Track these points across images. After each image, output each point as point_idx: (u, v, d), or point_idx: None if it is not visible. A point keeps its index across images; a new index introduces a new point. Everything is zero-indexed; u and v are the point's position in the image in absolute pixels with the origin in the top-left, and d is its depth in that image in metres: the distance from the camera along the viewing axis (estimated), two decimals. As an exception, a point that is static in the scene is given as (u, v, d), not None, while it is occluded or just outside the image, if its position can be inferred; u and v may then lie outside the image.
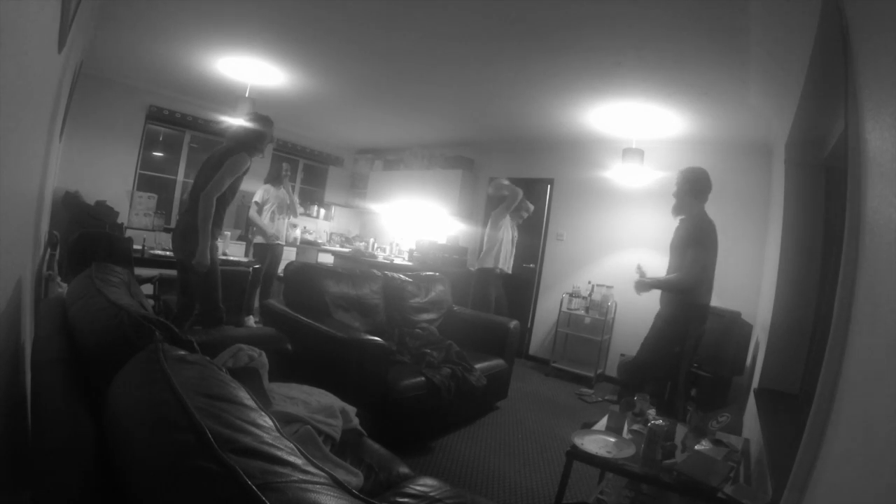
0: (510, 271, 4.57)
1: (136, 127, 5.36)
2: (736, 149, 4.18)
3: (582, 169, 5.04)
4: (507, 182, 4.53)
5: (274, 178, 4.98)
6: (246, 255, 5.13)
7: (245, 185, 6.42)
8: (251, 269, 4.35)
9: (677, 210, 2.86)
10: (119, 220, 4.84)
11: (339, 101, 4.95)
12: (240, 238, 5.78)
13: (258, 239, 4.80)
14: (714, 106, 3.46)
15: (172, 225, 5.24)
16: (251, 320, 4.42)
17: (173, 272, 3.39)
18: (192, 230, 2.70)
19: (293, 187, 6.98)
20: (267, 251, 4.79)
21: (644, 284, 2.87)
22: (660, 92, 3.37)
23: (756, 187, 3.96)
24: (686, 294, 2.72)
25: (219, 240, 2.97)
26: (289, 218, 5.03)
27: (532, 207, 4.68)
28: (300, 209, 6.66)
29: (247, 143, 2.89)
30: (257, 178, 5.45)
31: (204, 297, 2.82)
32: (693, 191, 2.81)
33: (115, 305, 1.10)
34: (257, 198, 4.88)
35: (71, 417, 0.82)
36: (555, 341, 4.85)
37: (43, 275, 2.66)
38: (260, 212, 4.82)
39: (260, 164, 5.84)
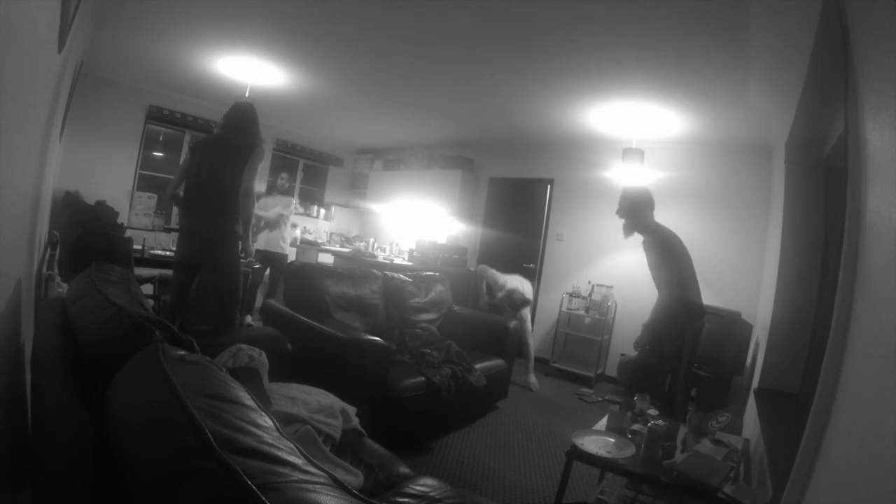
0: None
1: (136, 127, 5.36)
2: (736, 149, 4.18)
3: (582, 169, 5.04)
4: None
5: (272, 186, 4.99)
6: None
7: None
8: (251, 269, 4.35)
9: (628, 230, 2.94)
10: (119, 220, 4.83)
11: (339, 101, 4.95)
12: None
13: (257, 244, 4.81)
14: (714, 106, 3.46)
15: (173, 225, 5.23)
16: (248, 319, 4.42)
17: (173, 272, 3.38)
18: (223, 231, 2.69)
19: (293, 188, 7.00)
20: (266, 257, 4.77)
21: (641, 341, 2.91)
22: (660, 92, 3.37)
23: (756, 187, 3.96)
24: (678, 295, 2.78)
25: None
26: (285, 226, 5.00)
27: None
28: (299, 209, 6.67)
29: (257, 134, 2.89)
30: (258, 178, 5.44)
31: (227, 299, 2.77)
32: (634, 210, 2.89)
33: (114, 305, 1.09)
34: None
35: (71, 417, 0.82)
36: (555, 341, 4.85)
37: (43, 275, 2.65)
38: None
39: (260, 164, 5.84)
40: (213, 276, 2.76)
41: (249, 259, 2.91)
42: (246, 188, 2.73)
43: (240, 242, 2.82)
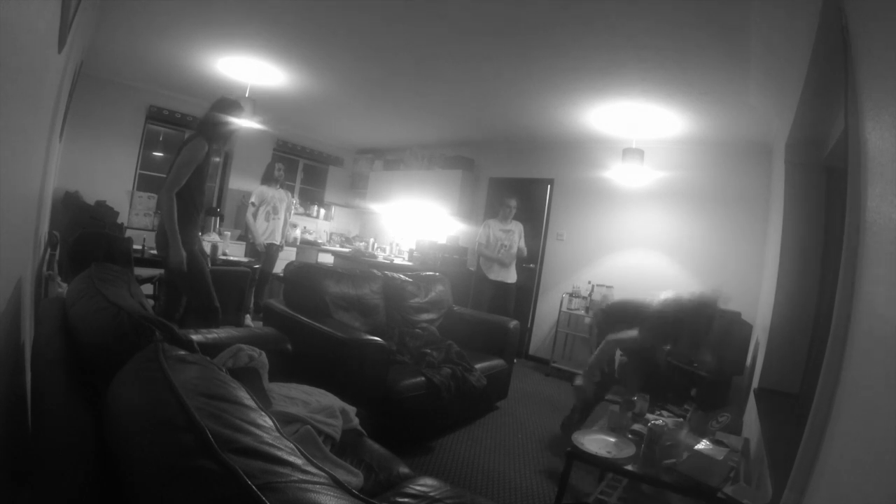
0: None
1: (136, 127, 5.36)
2: (736, 149, 4.17)
3: (582, 169, 5.04)
4: None
5: (268, 179, 5.01)
6: (246, 255, 5.14)
7: (242, 185, 6.42)
8: (251, 269, 4.36)
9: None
10: (119, 221, 4.84)
11: (340, 101, 4.95)
12: (240, 238, 5.78)
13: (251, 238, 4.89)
14: (714, 106, 3.46)
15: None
16: (248, 319, 4.43)
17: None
18: (161, 230, 2.62)
19: (293, 187, 7.00)
20: (261, 251, 4.84)
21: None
22: (660, 92, 3.37)
23: (756, 187, 3.96)
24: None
25: (201, 234, 2.82)
26: (286, 218, 5.05)
27: None
28: (299, 209, 6.67)
29: (204, 129, 2.75)
30: (254, 178, 5.46)
31: (194, 295, 2.72)
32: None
33: (114, 305, 1.09)
34: (253, 198, 4.92)
35: (71, 417, 0.82)
36: (555, 341, 4.85)
37: (43, 275, 2.65)
38: (256, 213, 4.87)
39: (257, 163, 5.87)
40: (171, 271, 2.71)
41: (174, 265, 2.55)
42: (165, 185, 2.54)
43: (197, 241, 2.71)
